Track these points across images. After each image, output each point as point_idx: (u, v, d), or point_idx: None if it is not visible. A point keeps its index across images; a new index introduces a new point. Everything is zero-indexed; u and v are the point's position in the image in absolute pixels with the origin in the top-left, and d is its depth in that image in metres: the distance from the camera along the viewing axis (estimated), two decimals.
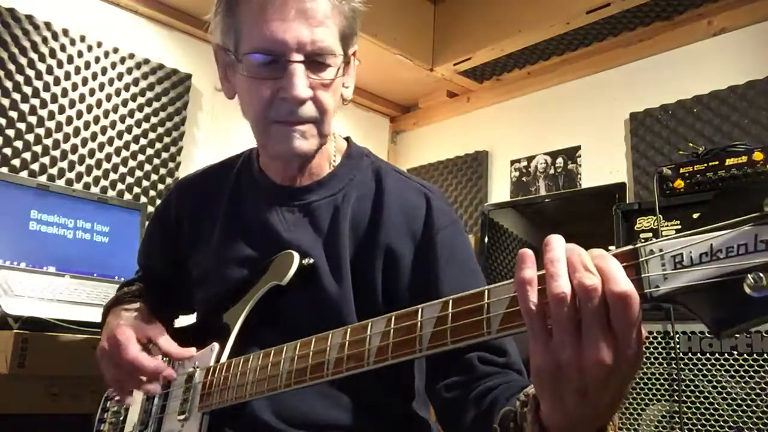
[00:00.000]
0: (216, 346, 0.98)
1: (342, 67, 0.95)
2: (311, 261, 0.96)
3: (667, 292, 0.50)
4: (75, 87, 2.25)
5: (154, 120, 2.46)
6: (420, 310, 0.66)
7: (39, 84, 2.16)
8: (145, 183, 2.40)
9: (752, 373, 1.31)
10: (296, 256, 0.95)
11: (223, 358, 0.96)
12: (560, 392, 0.54)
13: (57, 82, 2.21)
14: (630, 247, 0.53)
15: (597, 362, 0.51)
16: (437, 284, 0.93)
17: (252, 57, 0.91)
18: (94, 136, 2.29)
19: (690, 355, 1.41)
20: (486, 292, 0.61)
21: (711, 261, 0.48)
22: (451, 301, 0.64)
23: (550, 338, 0.53)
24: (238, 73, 0.95)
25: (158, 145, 2.46)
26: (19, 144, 2.09)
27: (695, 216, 1.52)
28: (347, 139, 1.12)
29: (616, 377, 0.52)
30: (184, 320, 1.25)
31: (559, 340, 0.52)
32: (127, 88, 2.40)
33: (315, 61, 0.91)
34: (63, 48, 2.23)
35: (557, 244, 0.54)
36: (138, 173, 2.39)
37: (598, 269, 0.52)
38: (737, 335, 1.31)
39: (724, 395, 1.34)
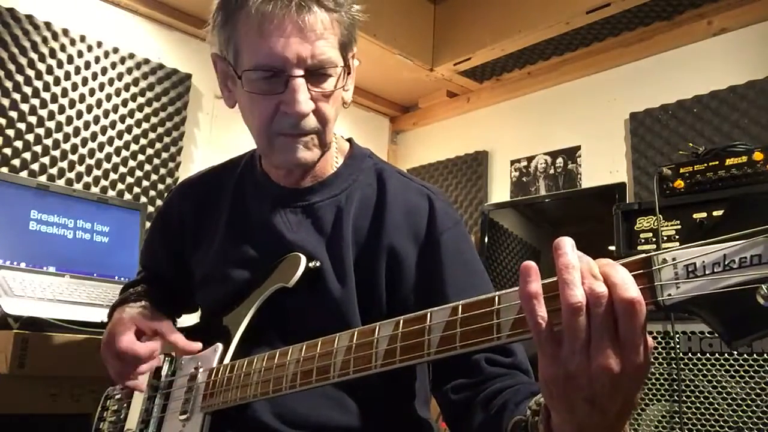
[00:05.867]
0: (219, 346, 0.98)
1: (343, 75, 0.95)
2: (318, 264, 0.96)
3: (680, 301, 0.51)
4: (75, 87, 2.25)
5: (154, 120, 2.46)
6: (429, 314, 0.66)
7: (39, 84, 2.16)
8: (145, 183, 2.40)
9: (752, 373, 1.31)
10: (303, 258, 0.95)
11: (227, 359, 0.96)
12: (570, 401, 0.54)
13: (57, 82, 2.21)
14: (643, 255, 0.53)
15: (605, 369, 0.51)
16: (442, 286, 0.93)
17: (253, 73, 0.90)
18: (94, 136, 2.28)
19: (690, 355, 1.41)
20: (496, 298, 0.61)
21: (724, 271, 0.49)
22: (460, 306, 0.64)
23: (558, 348, 0.53)
24: (238, 87, 0.95)
25: (158, 145, 2.46)
26: (19, 144, 2.09)
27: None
28: (349, 140, 1.12)
29: (625, 384, 0.52)
30: (187, 321, 1.25)
31: (569, 349, 0.52)
32: (127, 88, 2.40)
33: (316, 73, 0.91)
34: (63, 48, 2.23)
35: (569, 249, 0.54)
36: (138, 173, 2.39)
37: (605, 276, 0.52)
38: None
39: (724, 395, 1.34)
